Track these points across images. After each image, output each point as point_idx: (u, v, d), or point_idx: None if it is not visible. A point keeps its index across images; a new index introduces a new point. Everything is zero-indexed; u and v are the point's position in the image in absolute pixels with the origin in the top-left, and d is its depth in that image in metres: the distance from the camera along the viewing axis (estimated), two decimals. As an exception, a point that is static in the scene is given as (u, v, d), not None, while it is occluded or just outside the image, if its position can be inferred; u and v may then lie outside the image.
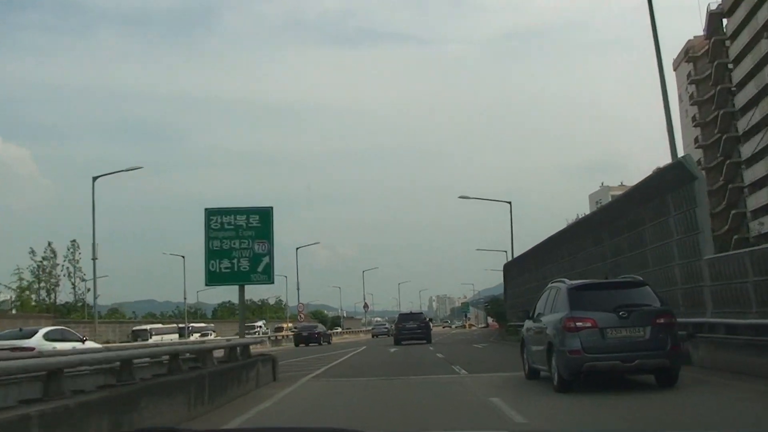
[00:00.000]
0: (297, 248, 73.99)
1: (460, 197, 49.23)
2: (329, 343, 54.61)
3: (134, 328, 57.86)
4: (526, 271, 38.11)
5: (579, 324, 12.03)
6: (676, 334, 12.27)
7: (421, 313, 48.98)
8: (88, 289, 61.30)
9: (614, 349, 11.86)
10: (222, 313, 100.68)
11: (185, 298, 72.62)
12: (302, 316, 54.23)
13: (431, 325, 48.56)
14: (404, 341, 38.89)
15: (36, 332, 21.83)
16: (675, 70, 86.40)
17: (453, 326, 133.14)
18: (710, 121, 79.09)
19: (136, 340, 50.21)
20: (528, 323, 15.00)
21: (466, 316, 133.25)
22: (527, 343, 14.88)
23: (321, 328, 59.69)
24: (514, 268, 43.28)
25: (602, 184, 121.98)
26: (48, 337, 21.63)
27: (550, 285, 14.36)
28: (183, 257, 71.89)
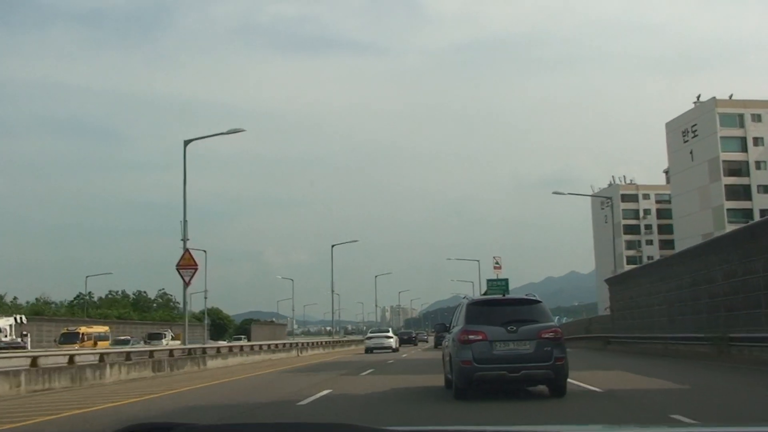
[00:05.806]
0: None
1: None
2: (417, 344, 68.71)
3: None
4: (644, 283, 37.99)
5: (471, 337, 13.12)
6: (562, 347, 13.31)
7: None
8: None
9: (502, 360, 12.94)
10: (106, 305, 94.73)
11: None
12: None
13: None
14: (440, 346, 52.09)
15: (389, 330, 52.45)
16: None
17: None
18: None
19: None
20: (447, 336, 16.08)
21: None
22: (444, 355, 15.96)
23: (414, 333, 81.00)
24: (620, 283, 44.53)
25: (698, 98, 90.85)
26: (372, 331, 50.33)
27: (460, 300, 15.46)
28: None
